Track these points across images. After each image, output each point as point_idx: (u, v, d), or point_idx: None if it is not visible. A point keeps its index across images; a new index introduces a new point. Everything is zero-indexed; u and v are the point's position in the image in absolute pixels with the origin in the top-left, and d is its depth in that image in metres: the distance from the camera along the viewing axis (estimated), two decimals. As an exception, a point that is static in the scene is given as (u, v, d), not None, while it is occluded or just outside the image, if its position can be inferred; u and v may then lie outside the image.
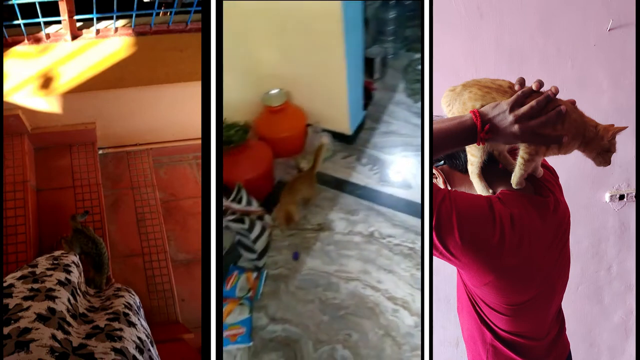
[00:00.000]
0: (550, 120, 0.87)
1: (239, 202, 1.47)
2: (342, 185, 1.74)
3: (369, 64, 2.09)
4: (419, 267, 1.40)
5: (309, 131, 1.85)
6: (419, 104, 1.91)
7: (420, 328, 0.91)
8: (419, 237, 1.47)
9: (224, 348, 1.34)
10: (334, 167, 1.80)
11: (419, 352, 1.16)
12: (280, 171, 1.78)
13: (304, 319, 1.40)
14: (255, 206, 1.50)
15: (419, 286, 1.38)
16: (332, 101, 1.79)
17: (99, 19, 1.74)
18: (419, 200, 1.44)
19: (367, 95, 2.03)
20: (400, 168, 1.77)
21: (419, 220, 1.55)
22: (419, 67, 1.15)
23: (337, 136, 1.87)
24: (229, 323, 1.38)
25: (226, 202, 1.43)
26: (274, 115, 1.75)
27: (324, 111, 1.82)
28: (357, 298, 1.42)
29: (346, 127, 1.85)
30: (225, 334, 1.36)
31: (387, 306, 1.39)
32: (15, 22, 1.63)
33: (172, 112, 1.91)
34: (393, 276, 1.46)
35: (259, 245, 1.51)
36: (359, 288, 1.44)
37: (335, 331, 1.36)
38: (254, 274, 1.49)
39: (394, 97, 2.07)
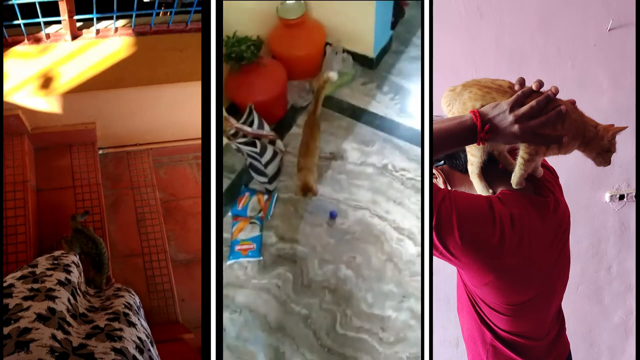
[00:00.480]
0: (550, 120, 0.87)
1: (250, 124, 1.42)
2: (358, 114, 1.63)
3: (403, -28, 1.77)
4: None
5: (327, 51, 1.64)
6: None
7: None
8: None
9: (236, 260, 1.43)
10: (352, 93, 1.69)
11: (418, 279, 1.23)
12: (294, 94, 1.66)
13: (311, 240, 1.44)
14: (267, 130, 1.47)
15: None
16: (356, 17, 1.59)
17: (99, 19, 1.74)
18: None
19: (398, 11, 1.74)
20: (423, 99, 1.70)
21: (436, 154, 1.53)
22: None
23: (359, 58, 1.68)
24: (240, 239, 1.47)
25: (237, 124, 1.40)
26: (290, 29, 1.57)
27: (345, 28, 1.62)
28: (364, 225, 1.44)
29: (369, 48, 1.65)
30: (236, 248, 1.45)
31: (393, 235, 1.42)
32: (15, 22, 1.63)
33: (172, 112, 1.91)
34: (402, 208, 1.46)
35: (270, 170, 1.49)
36: (366, 216, 1.46)
37: (340, 253, 1.40)
38: (265, 197, 1.52)
39: (429, 15, 1.91)
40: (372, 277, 1.35)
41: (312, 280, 1.36)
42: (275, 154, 1.49)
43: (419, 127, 1.57)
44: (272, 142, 1.49)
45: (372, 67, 1.72)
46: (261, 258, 1.42)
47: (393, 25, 1.74)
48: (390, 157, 1.55)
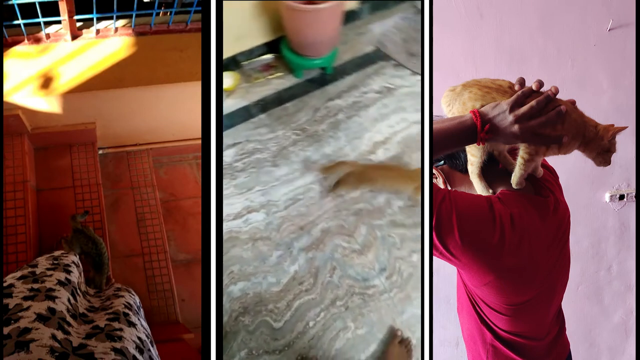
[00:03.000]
0: (550, 120, 0.87)
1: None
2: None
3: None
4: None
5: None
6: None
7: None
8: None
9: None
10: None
11: (284, 225, 1.27)
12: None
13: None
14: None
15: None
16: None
17: (99, 19, 1.73)
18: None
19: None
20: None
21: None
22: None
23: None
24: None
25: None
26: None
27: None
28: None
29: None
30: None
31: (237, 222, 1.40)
32: (15, 22, 1.63)
33: (172, 112, 1.91)
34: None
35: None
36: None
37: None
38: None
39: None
40: (256, 265, 1.35)
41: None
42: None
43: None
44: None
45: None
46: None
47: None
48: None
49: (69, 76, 1.70)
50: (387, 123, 1.40)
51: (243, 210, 1.42)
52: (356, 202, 1.32)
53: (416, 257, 1.24)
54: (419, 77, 1.49)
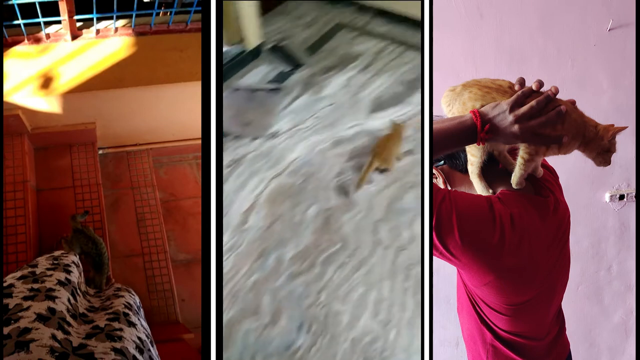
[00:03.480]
0: (550, 120, 0.87)
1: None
2: None
3: None
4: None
5: None
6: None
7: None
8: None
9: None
10: None
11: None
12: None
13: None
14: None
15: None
16: None
17: (99, 19, 1.74)
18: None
19: None
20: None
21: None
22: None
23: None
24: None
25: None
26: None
27: None
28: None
29: None
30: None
31: None
32: (15, 22, 1.63)
33: (172, 112, 1.91)
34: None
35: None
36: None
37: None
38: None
39: None
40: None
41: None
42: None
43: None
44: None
45: None
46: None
47: None
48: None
49: (69, 76, 1.70)
50: (248, 189, 1.38)
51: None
52: (248, 276, 1.25)
53: (324, 295, 1.18)
54: (260, 140, 1.48)
